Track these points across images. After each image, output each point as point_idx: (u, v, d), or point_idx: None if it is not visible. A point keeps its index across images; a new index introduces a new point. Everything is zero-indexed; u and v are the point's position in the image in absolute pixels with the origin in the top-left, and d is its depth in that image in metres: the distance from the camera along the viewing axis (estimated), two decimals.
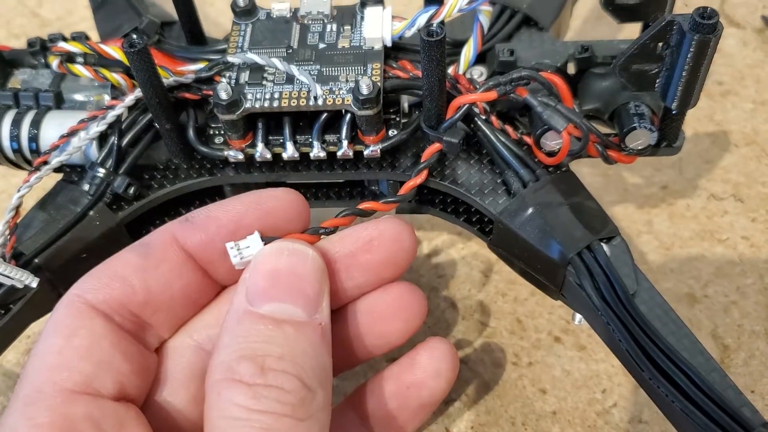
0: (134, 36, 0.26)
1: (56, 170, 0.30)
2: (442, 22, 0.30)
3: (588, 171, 0.39)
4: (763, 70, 0.44)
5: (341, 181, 0.32)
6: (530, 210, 0.27)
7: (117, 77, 0.31)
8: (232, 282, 0.26)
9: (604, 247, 0.27)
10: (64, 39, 0.32)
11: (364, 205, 0.27)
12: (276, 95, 0.29)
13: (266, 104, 0.28)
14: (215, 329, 0.25)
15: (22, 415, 0.21)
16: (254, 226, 0.25)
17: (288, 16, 0.31)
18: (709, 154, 0.41)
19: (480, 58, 0.32)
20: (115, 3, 0.36)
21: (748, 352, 0.34)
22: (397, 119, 0.30)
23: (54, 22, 0.50)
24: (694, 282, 0.36)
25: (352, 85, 0.29)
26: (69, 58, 0.32)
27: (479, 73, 0.31)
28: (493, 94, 0.28)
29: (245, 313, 0.23)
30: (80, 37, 0.32)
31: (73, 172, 0.31)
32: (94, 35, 0.35)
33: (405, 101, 0.31)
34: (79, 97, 0.32)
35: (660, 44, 0.27)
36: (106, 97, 0.32)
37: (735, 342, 0.34)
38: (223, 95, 0.28)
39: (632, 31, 0.31)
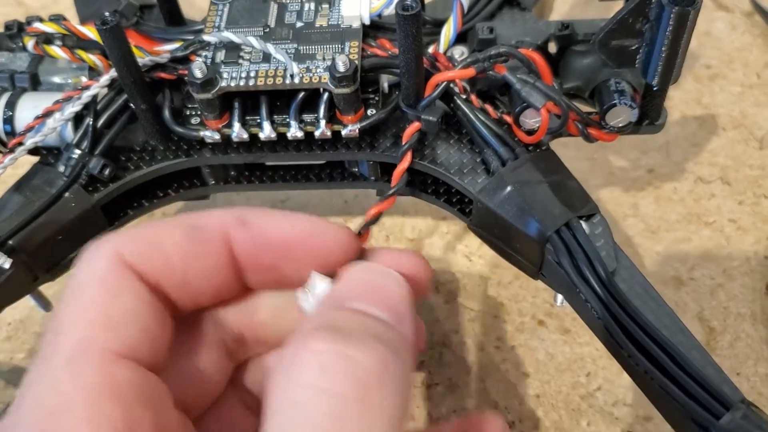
0: (106, 13, 0.26)
1: (32, 152, 0.30)
2: (421, 1, 0.30)
3: (574, 155, 0.39)
4: (751, 53, 0.44)
5: (321, 162, 0.32)
6: (509, 188, 0.27)
7: (93, 58, 0.30)
8: (261, 287, 0.25)
9: (584, 224, 0.26)
10: (41, 20, 0.32)
11: (372, 213, 0.26)
12: (252, 74, 0.28)
13: (242, 83, 0.28)
14: (237, 314, 0.25)
15: (67, 372, 0.19)
16: (304, 259, 0.23)
17: None
18: (696, 137, 0.40)
19: (461, 38, 0.31)
20: None
21: (734, 334, 0.33)
22: (376, 99, 0.30)
23: (39, 10, 0.49)
24: (680, 265, 0.35)
25: (329, 63, 0.28)
26: (46, 39, 0.32)
27: (460, 52, 0.31)
28: (471, 71, 0.27)
29: (327, 307, 0.21)
30: (56, 19, 0.32)
31: (49, 154, 0.30)
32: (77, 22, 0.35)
33: (384, 81, 0.30)
34: (56, 79, 0.32)
35: (640, 19, 0.26)
36: (84, 79, 0.31)
37: (721, 324, 0.34)
38: (198, 74, 0.27)
39: None
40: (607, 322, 0.25)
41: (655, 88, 0.27)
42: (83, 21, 0.35)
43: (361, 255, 0.24)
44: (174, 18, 0.32)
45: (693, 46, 0.45)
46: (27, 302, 0.31)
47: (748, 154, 0.39)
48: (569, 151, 0.38)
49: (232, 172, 0.32)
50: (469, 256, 0.36)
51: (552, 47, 0.30)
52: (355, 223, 0.38)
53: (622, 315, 0.25)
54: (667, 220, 0.37)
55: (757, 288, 0.34)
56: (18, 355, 0.35)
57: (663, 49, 0.26)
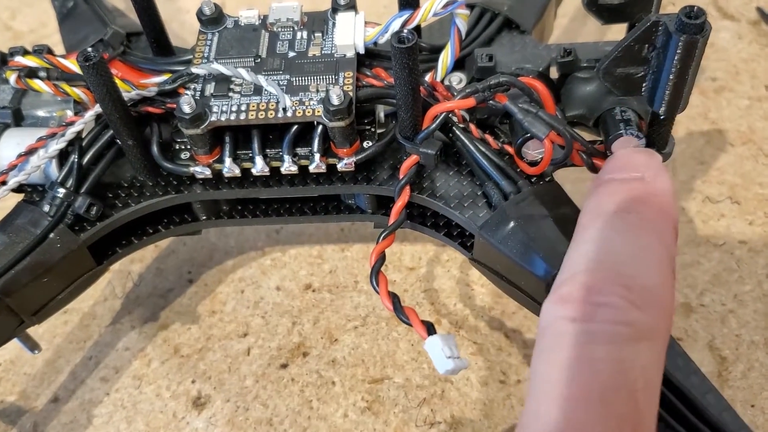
0: (89, 49, 0.25)
1: (17, 190, 0.29)
2: (417, 27, 0.29)
3: (577, 176, 0.37)
4: (758, 64, 0.42)
5: (315, 195, 0.31)
6: (512, 224, 0.26)
7: (78, 92, 0.29)
8: None
9: None
10: (24, 53, 0.31)
11: (375, 255, 0.26)
12: (243, 107, 0.27)
13: (233, 117, 0.27)
14: None
15: None
16: None
17: (257, 23, 0.30)
18: (703, 154, 0.39)
19: (459, 64, 0.30)
20: (81, 14, 0.35)
21: (747, 363, 0.32)
22: (372, 130, 0.29)
23: (27, 34, 0.48)
24: (689, 291, 0.34)
25: (322, 95, 0.27)
26: (30, 72, 0.31)
27: (458, 79, 0.30)
28: (471, 102, 0.26)
29: None
30: (40, 51, 0.31)
31: (34, 192, 0.29)
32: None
33: (381, 111, 0.29)
34: (41, 112, 0.31)
35: (646, 46, 0.25)
36: (69, 113, 0.30)
37: (733, 353, 0.32)
38: (186, 108, 0.26)
39: (620, 30, 0.29)
40: None
41: (662, 117, 0.26)
42: (69, 50, 0.34)
43: None
44: (162, 47, 0.31)
45: None
46: (17, 342, 0.30)
47: (757, 171, 0.38)
48: (572, 172, 0.37)
49: (225, 207, 0.31)
50: (471, 284, 0.35)
51: (553, 72, 0.29)
52: (353, 251, 0.37)
53: None
54: None
55: None
56: (9, 398, 0.34)
57: (670, 77, 0.25)
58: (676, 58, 0.24)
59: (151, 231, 0.30)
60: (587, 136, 0.28)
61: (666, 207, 0.23)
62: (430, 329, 0.24)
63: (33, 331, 0.31)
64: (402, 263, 0.36)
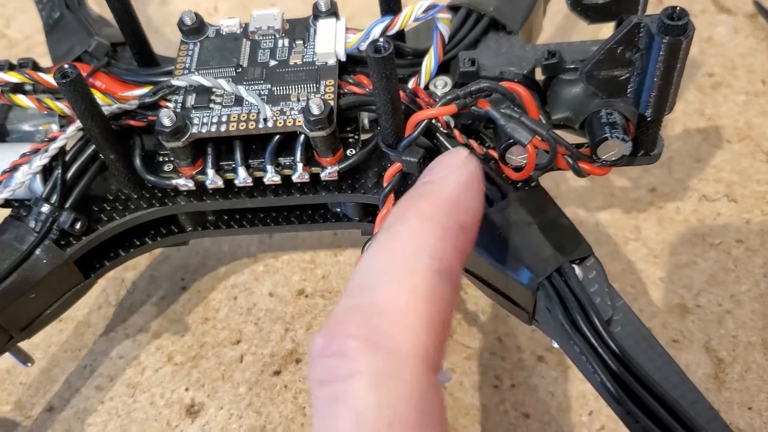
0: (66, 66, 0.25)
1: (4, 205, 0.29)
2: (400, 32, 0.29)
3: (572, 175, 0.37)
4: (755, 58, 0.42)
5: (300, 204, 0.30)
6: (496, 231, 0.26)
7: (61, 106, 0.29)
8: None
9: (576, 269, 0.25)
10: (12, 67, 0.31)
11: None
12: (224, 119, 0.27)
13: (213, 129, 0.27)
14: None
15: None
16: None
17: (238, 32, 0.30)
18: (700, 152, 0.38)
19: (445, 68, 0.30)
20: (67, 24, 0.34)
21: (744, 365, 0.32)
22: (356, 137, 0.28)
23: (21, 41, 0.48)
24: (685, 291, 0.34)
25: (304, 104, 0.27)
26: (16, 86, 0.31)
27: (443, 83, 0.30)
28: (452, 108, 0.26)
29: None
30: (25, 65, 0.31)
31: (21, 207, 0.29)
32: None
33: (365, 117, 0.29)
34: (27, 126, 0.31)
35: (630, 48, 0.25)
36: (54, 126, 0.30)
37: (730, 355, 0.32)
38: (167, 122, 0.26)
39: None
40: (604, 376, 0.23)
41: (648, 119, 0.26)
42: (56, 61, 0.34)
43: None
44: (145, 58, 0.31)
45: (694, 53, 0.43)
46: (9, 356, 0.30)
47: (755, 168, 0.38)
48: (567, 171, 0.37)
49: (211, 217, 0.31)
50: (465, 288, 0.35)
51: (540, 74, 0.29)
52: (346, 256, 0.37)
53: (620, 368, 0.23)
54: (670, 243, 0.35)
55: None
56: (4, 408, 0.34)
57: (655, 79, 0.24)
58: (659, 60, 0.24)
59: (138, 243, 0.30)
60: (575, 139, 0.27)
61: (434, 209, 0.20)
62: None
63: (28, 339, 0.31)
64: None
